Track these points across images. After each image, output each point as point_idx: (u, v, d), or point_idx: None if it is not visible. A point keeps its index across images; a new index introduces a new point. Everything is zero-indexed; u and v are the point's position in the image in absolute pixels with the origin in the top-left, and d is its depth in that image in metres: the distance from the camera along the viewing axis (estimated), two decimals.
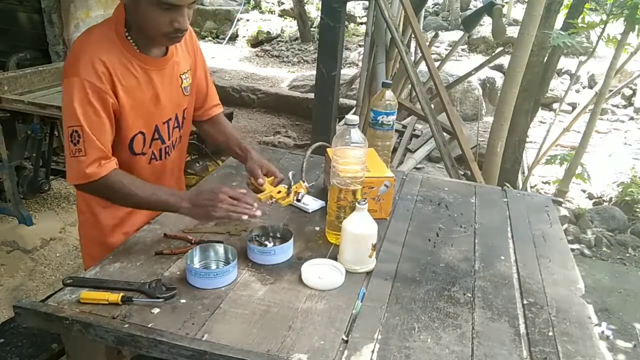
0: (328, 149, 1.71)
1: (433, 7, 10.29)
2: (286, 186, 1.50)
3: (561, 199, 3.35)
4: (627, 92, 6.69)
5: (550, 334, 1.16)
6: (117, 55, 1.35)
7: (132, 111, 1.40)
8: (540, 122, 5.77)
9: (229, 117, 4.83)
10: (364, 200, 1.32)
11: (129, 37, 1.38)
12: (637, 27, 3.19)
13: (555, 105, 5.92)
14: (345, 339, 1.09)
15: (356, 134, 1.41)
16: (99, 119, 1.33)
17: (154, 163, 1.52)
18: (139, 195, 1.35)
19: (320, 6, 3.77)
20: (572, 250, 2.92)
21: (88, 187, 1.36)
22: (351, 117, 1.44)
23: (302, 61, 8.16)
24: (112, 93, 1.34)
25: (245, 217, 1.36)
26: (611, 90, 3.87)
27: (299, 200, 1.52)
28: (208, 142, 1.70)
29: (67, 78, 1.32)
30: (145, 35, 1.38)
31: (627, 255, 3.49)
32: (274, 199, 1.48)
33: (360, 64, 5.64)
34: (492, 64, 5.24)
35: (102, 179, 1.33)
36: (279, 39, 9.00)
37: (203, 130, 1.74)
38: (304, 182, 1.54)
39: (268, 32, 8.91)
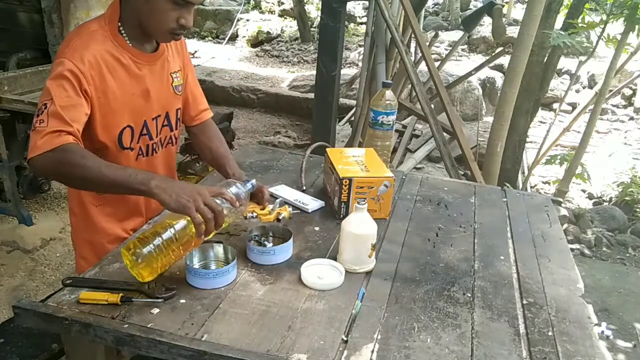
0: (328, 149, 1.72)
1: (433, 7, 10.30)
2: (271, 207, 1.54)
3: (561, 199, 3.35)
4: (627, 92, 6.70)
5: (550, 333, 1.16)
6: (109, 48, 1.36)
7: (122, 104, 1.40)
8: (540, 122, 5.77)
9: (229, 117, 4.82)
10: (364, 200, 1.32)
11: (123, 32, 1.39)
12: (637, 27, 3.19)
13: (555, 105, 5.93)
14: (345, 339, 1.09)
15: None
16: (73, 96, 1.28)
17: (141, 159, 1.51)
18: (102, 171, 1.20)
19: (320, 6, 3.78)
20: (572, 250, 2.92)
21: (42, 161, 1.21)
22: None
23: (302, 61, 8.16)
24: (96, 82, 1.33)
25: (202, 237, 1.20)
26: (611, 90, 3.87)
27: (279, 220, 1.53)
28: (200, 153, 1.70)
29: (53, 63, 1.33)
30: (146, 30, 1.39)
31: (627, 255, 3.49)
32: (255, 214, 1.53)
33: (360, 64, 5.64)
34: (492, 64, 5.25)
35: (57, 150, 1.20)
36: (279, 39, 9.00)
37: (193, 136, 1.68)
38: (289, 207, 1.59)
39: (268, 32, 8.91)
